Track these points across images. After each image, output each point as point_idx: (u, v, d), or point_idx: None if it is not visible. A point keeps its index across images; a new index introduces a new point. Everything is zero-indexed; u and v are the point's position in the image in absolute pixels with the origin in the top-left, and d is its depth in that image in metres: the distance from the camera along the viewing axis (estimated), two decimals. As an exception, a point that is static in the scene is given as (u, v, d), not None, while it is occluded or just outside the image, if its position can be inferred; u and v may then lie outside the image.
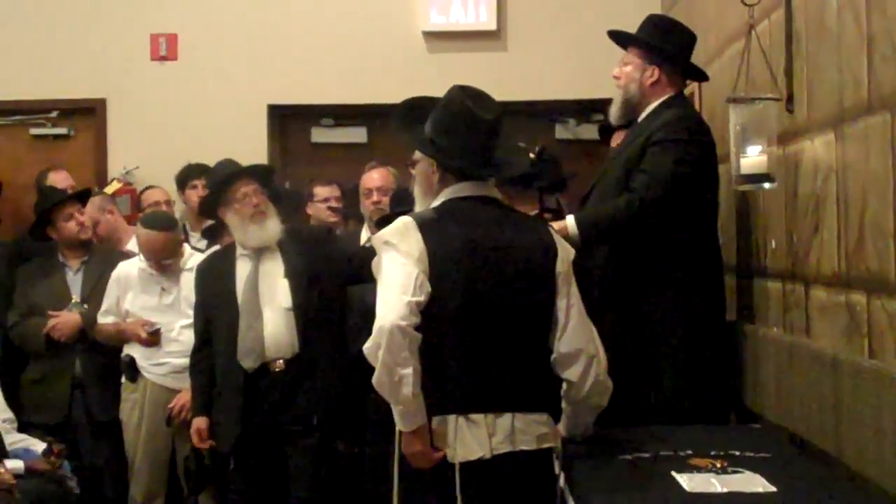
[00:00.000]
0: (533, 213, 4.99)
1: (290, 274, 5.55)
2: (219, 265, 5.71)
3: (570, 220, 4.87)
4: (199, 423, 5.63)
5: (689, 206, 4.82)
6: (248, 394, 5.45)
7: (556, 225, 4.81)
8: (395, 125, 4.07)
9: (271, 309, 5.49)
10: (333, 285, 5.62)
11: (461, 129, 3.84)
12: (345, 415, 5.61)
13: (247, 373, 5.44)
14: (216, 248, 6.41)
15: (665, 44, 5.04)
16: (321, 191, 7.32)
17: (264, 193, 5.66)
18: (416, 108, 4.02)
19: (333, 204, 7.04)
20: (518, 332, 3.80)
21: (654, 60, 5.03)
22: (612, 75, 5.17)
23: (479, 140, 3.86)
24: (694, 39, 5.14)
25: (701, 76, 5.28)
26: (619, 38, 5.21)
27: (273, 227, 5.60)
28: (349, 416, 5.63)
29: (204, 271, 5.79)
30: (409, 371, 3.56)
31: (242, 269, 5.59)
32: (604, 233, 4.92)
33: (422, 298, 3.62)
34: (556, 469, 3.93)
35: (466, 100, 3.85)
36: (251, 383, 5.46)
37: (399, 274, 3.65)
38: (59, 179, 7.47)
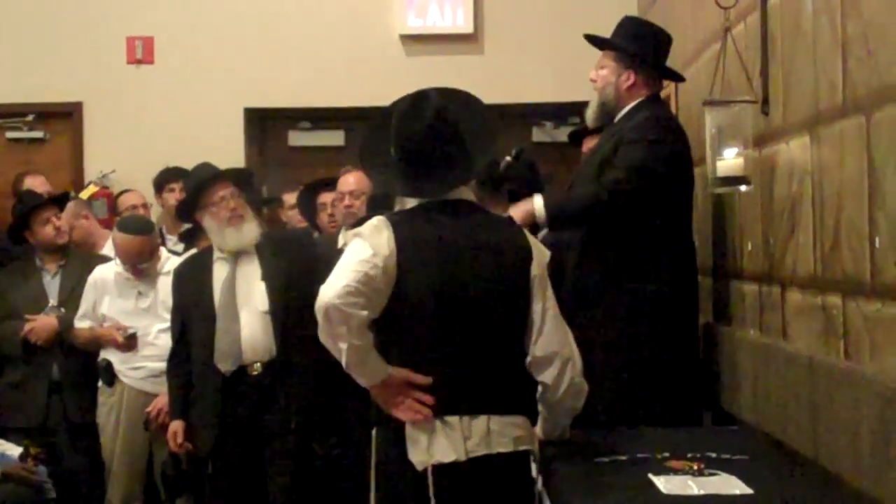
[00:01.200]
0: (504, 214, 4.99)
1: (267, 277, 5.54)
2: (196, 268, 5.70)
3: (537, 200, 4.87)
4: (176, 426, 5.61)
5: (661, 206, 4.82)
6: (225, 397, 5.45)
7: (517, 208, 4.81)
8: (361, 163, 4.15)
9: (248, 312, 5.49)
10: (311, 289, 5.60)
11: (405, 153, 3.84)
12: (322, 418, 5.61)
13: (224, 376, 5.44)
14: (193, 251, 6.41)
15: (640, 47, 5.04)
16: (290, 197, 7.33)
17: (242, 197, 5.65)
18: (377, 136, 3.98)
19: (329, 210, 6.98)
20: (493, 334, 3.79)
21: (630, 64, 5.03)
22: (588, 78, 5.18)
23: (420, 159, 3.83)
24: (669, 41, 5.15)
25: (677, 77, 5.29)
26: (595, 41, 5.22)
27: (250, 231, 5.59)
28: (327, 419, 5.63)
29: (181, 274, 5.78)
30: (344, 346, 3.58)
31: (219, 272, 5.58)
32: (570, 217, 4.92)
33: (364, 288, 3.59)
34: (534, 472, 3.93)
35: (398, 120, 3.84)
36: (228, 387, 5.45)
37: (354, 260, 3.65)
38: (36, 184, 7.44)
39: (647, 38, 5.10)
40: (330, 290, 3.59)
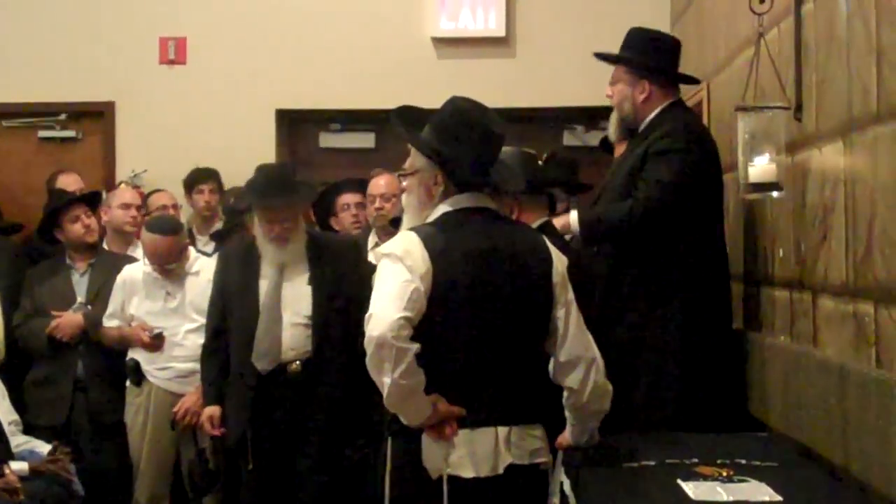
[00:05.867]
0: (542, 219, 4.99)
1: (314, 282, 5.53)
2: (245, 256, 5.68)
3: (573, 216, 4.89)
4: (211, 411, 5.66)
5: (692, 213, 4.82)
6: (259, 394, 5.46)
7: (558, 219, 4.82)
8: (400, 130, 4.01)
9: (291, 314, 5.49)
10: (355, 295, 5.57)
11: (474, 141, 3.81)
12: (354, 421, 5.59)
13: (259, 373, 5.45)
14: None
15: (650, 58, 5.04)
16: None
17: (299, 217, 5.63)
18: (413, 116, 4.00)
19: (354, 211, 6.95)
20: (517, 344, 3.79)
21: (643, 75, 5.03)
22: (605, 95, 5.18)
23: (489, 153, 3.86)
24: (678, 46, 5.14)
25: (691, 80, 5.27)
26: (604, 57, 5.22)
27: (294, 250, 5.54)
28: (358, 420, 5.61)
29: (229, 258, 5.81)
30: (386, 380, 3.51)
31: (267, 268, 5.58)
32: (605, 233, 4.94)
33: (412, 314, 3.56)
34: (551, 485, 3.92)
35: (477, 112, 3.85)
36: (263, 384, 5.46)
37: (398, 286, 3.60)
38: (69, 182, 7.47)
39: (656, 48, 5.09)
40: (382, 324, 3.51)
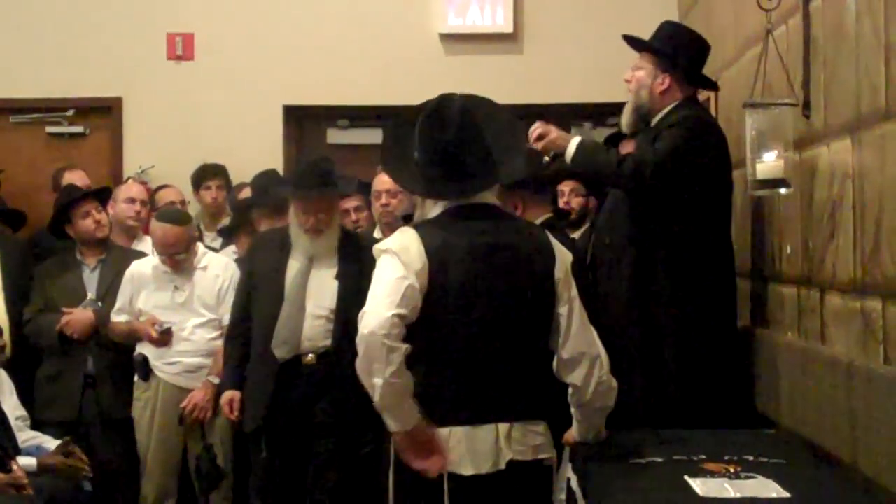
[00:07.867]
0: (546, 216, 4.99)
1: (341, 277, 5.54)
2: (278, 243, 5.69)
3: (574, 141, 4.89)
4: (231, 395, 5.69)
5: (698, 207, 4.81)
6: (279, 382, 5.49)
7: (561, 133, 4.81)
8: (382, 163, 4.03)
9: (314, 306, 5.50)
10: None
11: (429, 156, 3.78)
12: (365, 417, 5.59)
13: (279, 361, 5.46)
14: (231, 247, 6.42)
15: (678, 53, 5.03)
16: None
17: (333, 208, 5.65)
18: (400, 136, 3.96)
19: (354, 216, 6.95)
20: (518, 340, 3.77)
21: (666, 68, 5.02)
22: (623, 79, 5.17)
23: (444, 162, 3.78)
24: (707, 49, 5.12)
25: (711, 85, 5.27)
26: (634, 42, 5.21)
27: (326, 242, 5.56)
28: (369, 418, 5.61)
29: (261, 243, 5.84)
30: (379, 381, 3.49)
31: (297, 257, 5.60)
32: (592, 170, 4.98)
33: (406, 311, 3.56)
34: (557, 482, 3.92)
35: (423, 123, 3.81)
36: (283, 372, 5.48)
37: (392, 282, 3.61)
38: (75, 178, 7.47)
39: (686, 44, 5.08)
40: (373, 320, 3.53)
